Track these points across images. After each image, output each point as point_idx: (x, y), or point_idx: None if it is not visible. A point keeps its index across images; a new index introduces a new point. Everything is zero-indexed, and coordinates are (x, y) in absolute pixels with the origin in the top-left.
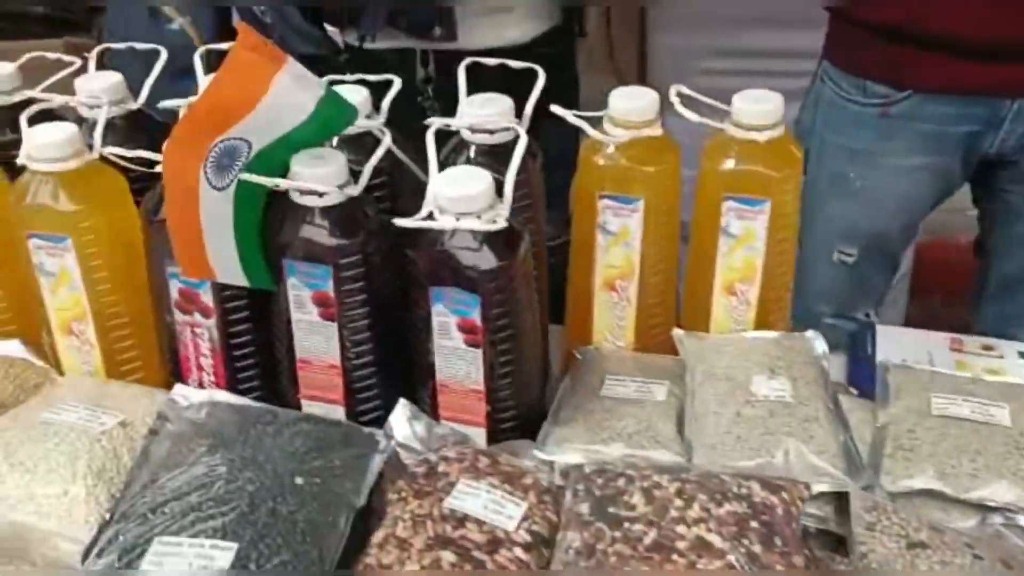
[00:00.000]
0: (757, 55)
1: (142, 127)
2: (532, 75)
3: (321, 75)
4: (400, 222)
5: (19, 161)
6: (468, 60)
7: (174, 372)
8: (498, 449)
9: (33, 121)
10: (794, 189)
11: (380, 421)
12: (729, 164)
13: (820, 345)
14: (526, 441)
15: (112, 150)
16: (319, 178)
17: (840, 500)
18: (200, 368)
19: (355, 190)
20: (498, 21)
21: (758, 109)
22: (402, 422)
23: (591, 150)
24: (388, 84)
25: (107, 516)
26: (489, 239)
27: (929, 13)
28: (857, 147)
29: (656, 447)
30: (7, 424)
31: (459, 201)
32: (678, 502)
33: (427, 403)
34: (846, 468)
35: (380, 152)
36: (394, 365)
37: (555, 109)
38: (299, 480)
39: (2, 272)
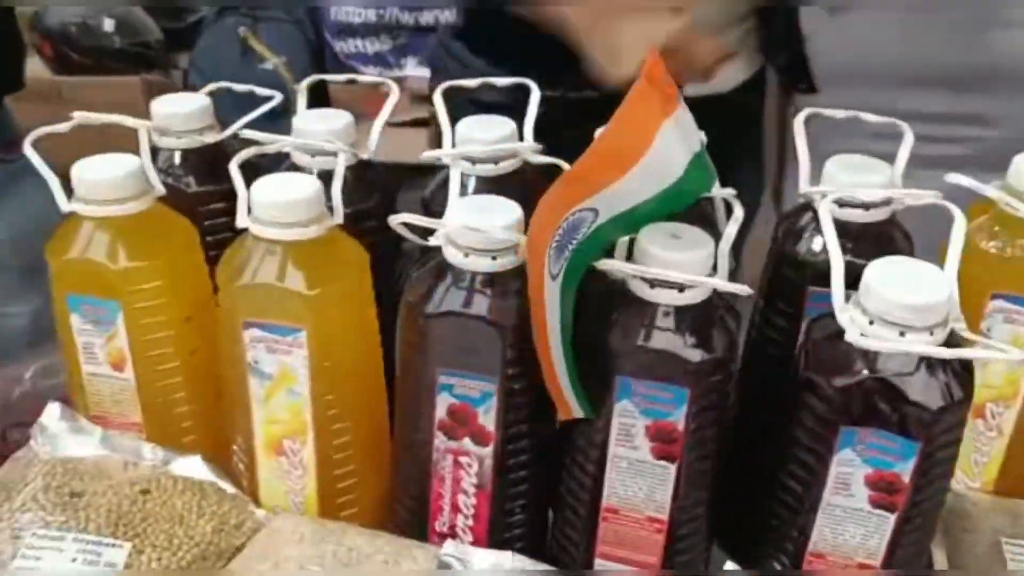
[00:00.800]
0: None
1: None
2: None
3: None
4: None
5: (241, 223)
6: None
7: (410, 511)
8: None
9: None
10: None
11: None
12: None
13: None
14: None
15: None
16: (682, 265)
17: None
18: (456, 509)
19: (724, 284)
20: None
21: None
22: None
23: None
24: None
25: None
26: (941, 365)
27: None
28: None
29: None
30: None
31: (905, 309)
32: None
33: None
34: None
35: (731, 231)
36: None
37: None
38: None
39: (192, 371)
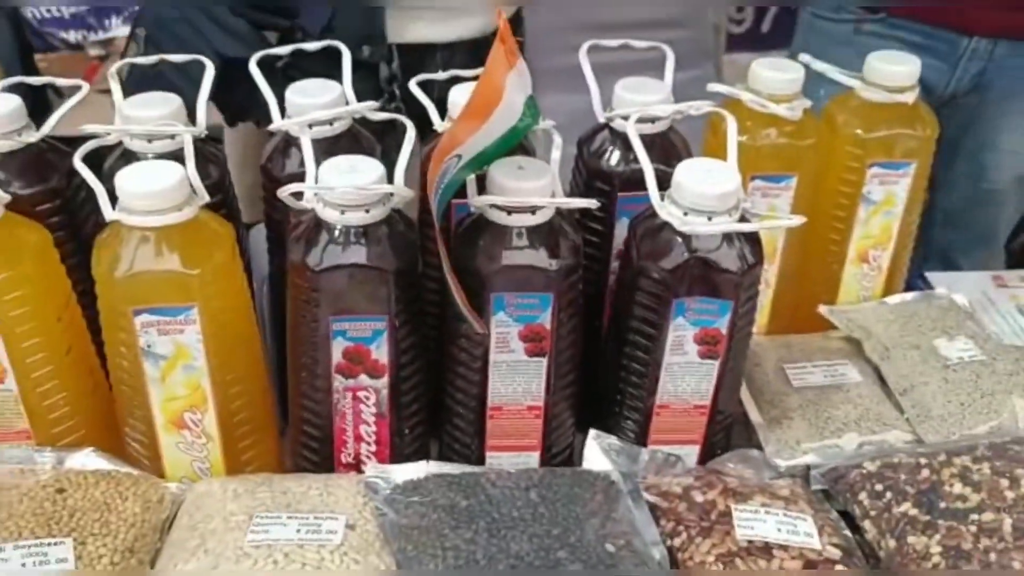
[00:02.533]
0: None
1: None
2: None
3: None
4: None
5: (111, 216)
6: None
7: (315, 451)
8: (721, 462)
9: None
10: (931, 149)
11: (568, 459)
12: (874, 130)
13: (960, 299)
14: (742, 450)
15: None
16: (532, 191)
17: None
18: (359, 439)
19: (567, 202)
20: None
21: (901, 71)
22: (598, 455)
23: None
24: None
25: None
26: (737, 239)
27: None
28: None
29: (886, 429)
30: (213, 557)
31: (710, 199)
32: (1004, 480)
33: (632, 429)
34: None
35: (556, 156)
36: (582, 394)
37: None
38: (609, 547)
39: (70, 370)
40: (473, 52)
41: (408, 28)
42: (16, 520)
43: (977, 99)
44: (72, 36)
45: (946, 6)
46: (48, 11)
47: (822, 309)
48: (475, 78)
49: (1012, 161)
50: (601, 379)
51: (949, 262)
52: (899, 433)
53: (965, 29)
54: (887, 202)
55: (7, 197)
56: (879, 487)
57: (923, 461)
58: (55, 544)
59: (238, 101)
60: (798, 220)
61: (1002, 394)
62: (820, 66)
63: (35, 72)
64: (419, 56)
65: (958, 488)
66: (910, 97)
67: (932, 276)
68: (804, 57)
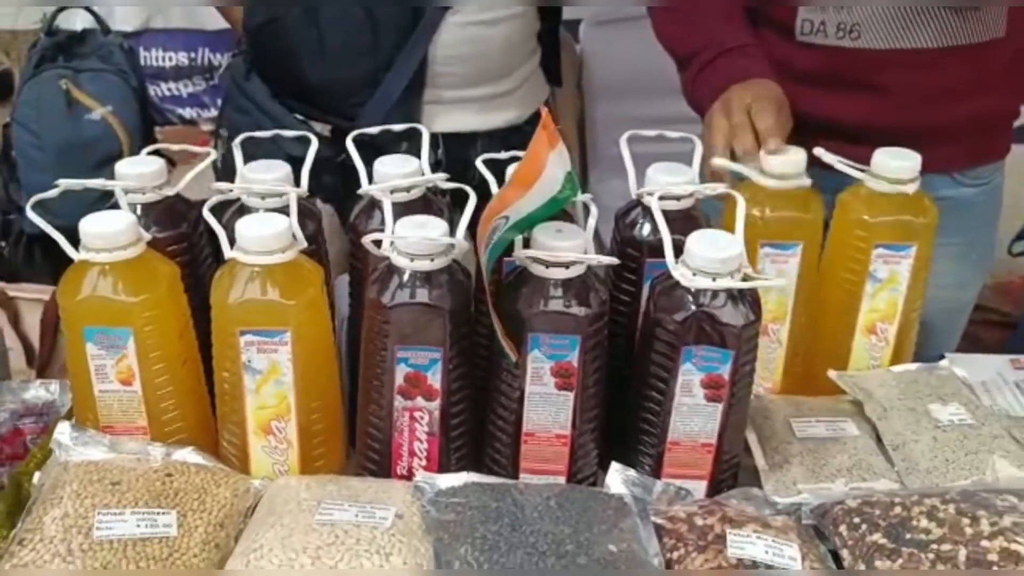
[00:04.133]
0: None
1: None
2: None
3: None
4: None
5: (229, 255)
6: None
7: (374, 462)
8: (725, 497)
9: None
10: (932, 234)
11: (592, 487)
12: (879, 215)
13: (960, 371)
14: (745, 488)
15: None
16: (566, 250)
17: None
18: (412, 454)
19: (593, 258)
20: (499, 104)
21: (904, 165)
22: (618, 484)
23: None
24: None
25: None
26: (740, 297)
27: None
28: None
29: (875, 477)
30: (287, 529)
31: (715, 262)
32: (966, 520)
33: (648, 463)
34: None
35: (591, 224)
36: (607, 431)
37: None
38: (612, 548)
39: (184, 380)
40: (506, 138)
41: (449, 119)
42: (133, 494)
43: None
44: (188, 113)
45: None
46: (169, 90)
47: (831, 374)
48: (512, 160)
49: None
50: (624, 418)
51: None
52: (887, 482)
53: None
54: (891, 280)
55: (148, 236)
56: (856, 520)
57: (897, 500)
58: (163, 514)
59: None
60: (780, 282)
61: (984, 453)
62: (830, 158)
63: (154, 142)
64: (463, 142)
65: (924, 523)
66: (911, 188)
67: (951, 356)
68: (818, 150)
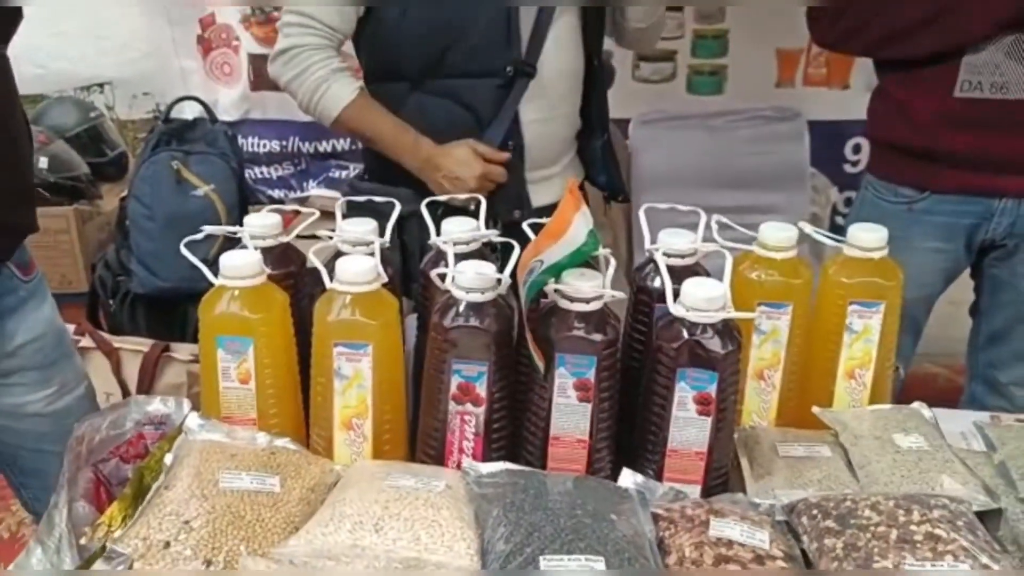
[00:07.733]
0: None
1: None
2: None
3: None
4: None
5: (330, 286)
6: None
7: (431, 457)
8: (715, 499)
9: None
10: (899, 293)
11: None
12: (853, 278)
13: (927, 412)
14: (731, 494)
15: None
16: (585, 290)
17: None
18: (461, 451)
19: (611, 295)
20: (552, 181)
21: (873, 237)
22: (628, 485)
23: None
24: None
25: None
26: (724, 331)
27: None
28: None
29: (841, 487)
30: (363, 490)
31: (702, 300)
32: (901, 511)
33: (652, 468)
34: (986, 494)
35: (610, 272)
36: (619, 439)
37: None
38: (613, 516)
39: (286, 384)
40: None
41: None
42: (247, 463)
43: (1013, 242)
44: (276, 193)
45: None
46: (261, 173)
47: (815, 410)
48: None
49: None
50: (634, 431)
51: (990, 380)
52: (850, 492)
53: (997, 193)
54: (865, 332)
55: (267, 271)
56: (815, 512)
57: (848, 495)
58: (270, 476)
59: None
60: (748, 315)
61: (935, 472)
62: (809, 229)
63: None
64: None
65: (867, 513)
66: (878, 255)
67: (939, 412)
68: (803, 224)
